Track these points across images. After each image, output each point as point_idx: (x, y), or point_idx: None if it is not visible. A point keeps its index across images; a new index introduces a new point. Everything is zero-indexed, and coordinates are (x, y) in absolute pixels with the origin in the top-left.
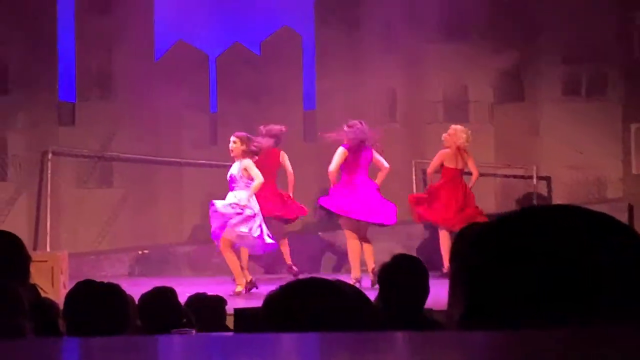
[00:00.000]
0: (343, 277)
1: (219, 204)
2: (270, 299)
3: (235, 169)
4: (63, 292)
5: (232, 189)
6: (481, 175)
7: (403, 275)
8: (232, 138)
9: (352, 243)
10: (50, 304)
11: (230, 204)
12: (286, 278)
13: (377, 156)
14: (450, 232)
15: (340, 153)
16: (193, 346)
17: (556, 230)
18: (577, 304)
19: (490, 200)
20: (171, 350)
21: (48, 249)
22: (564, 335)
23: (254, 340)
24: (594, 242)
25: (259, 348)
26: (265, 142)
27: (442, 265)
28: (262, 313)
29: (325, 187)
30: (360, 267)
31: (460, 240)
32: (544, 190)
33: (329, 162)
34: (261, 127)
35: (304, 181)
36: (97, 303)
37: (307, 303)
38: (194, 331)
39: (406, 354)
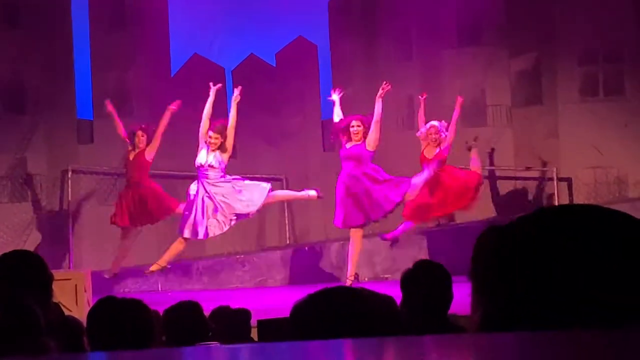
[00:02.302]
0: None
1: None
2: (298, 307)
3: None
4: (87, 310)
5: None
6: (501, 178)
7: (425, 281)
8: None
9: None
10: (74, 322)
11: None
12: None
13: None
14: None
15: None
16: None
17: (576, 231)
18: (598, 304)
19: (511, 203)
20: None
21: (71, 267)
22: (585, 337)
23: (282, 349)
24: (614, 242)
25: (287, 356)
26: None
27: (466, 271)
28: (289, 321)
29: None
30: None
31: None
32: (564, 192)
33: None
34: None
35: (325, 190)
36: (120, 319)
37: (333, 311)
38: (219, 345)
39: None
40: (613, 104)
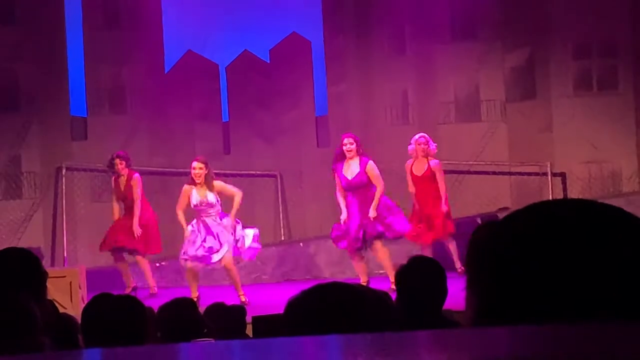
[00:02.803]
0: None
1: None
2: (292, 303)
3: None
4: (82, 307)
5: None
6: (495, 173)
7: (420, 277)
8: (199, 164)
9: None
10: (68, 319)
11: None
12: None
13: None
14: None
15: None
16: (215, 352)
17: (570, 225)
18: (590, 299)
19: (505, 197)
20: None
21: (65, 265)
22: (579, 331)
23: (276, 344)
24: (608, 237)
25: (281, 352)
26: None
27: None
28: (283, 317)
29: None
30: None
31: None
32: (559, 187)
33: None
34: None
35: (319, 186)
36: (115, 316)
37: (327, 307)
38: (214, 341)
39: (425, 353)
40: (607, 99)
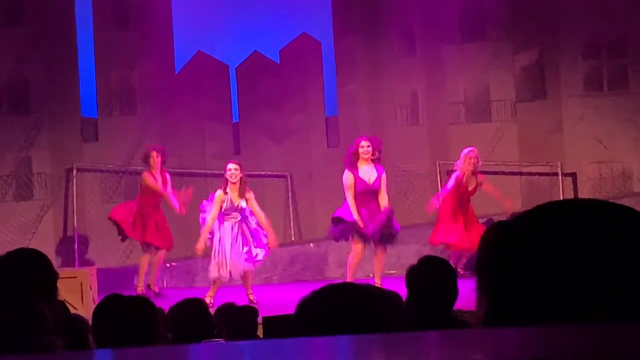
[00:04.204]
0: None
1: None
2: (303, 304)
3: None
4: (93, 308)
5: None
6: (505, 173)
7: (430, 277)
8: (235, 166)
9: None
10: (79, 320)
11: None
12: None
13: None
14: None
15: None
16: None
17: (580, 225)
18: (602, 300)
19: (516, 198)
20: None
21: (76, 266)
22: (589, 331)
23: (287, 345)
24: (619, 237)
25: (292, 352)
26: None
27: (471, 266)
28: (294, 318)
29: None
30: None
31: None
32: (569, 187)
33: None
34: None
35: (329, 186)
36: (125, 317)
37: (338, 307)
38: (224, 342)
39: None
40: (617, 98)
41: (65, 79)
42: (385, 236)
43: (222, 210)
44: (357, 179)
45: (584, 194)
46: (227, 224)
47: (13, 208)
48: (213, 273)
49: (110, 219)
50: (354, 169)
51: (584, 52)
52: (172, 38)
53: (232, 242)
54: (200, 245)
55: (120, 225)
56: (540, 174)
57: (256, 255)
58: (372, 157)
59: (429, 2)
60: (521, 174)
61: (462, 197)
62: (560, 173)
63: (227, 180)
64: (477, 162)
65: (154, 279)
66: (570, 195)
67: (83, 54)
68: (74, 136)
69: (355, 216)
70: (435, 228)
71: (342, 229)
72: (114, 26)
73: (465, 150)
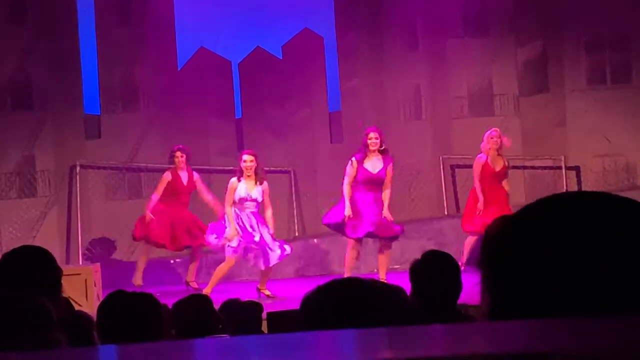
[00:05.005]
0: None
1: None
2: (307, 299)
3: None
4: (97, 304)
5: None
6: (509, 167)
7: (434, 272)
8: (250, 157)
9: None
10: (84, 317)
11: None
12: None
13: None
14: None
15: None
16: (231, 348)
17: (585, 218)
18: (605, 291)
19: (520, 192)
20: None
21: (80, 262)
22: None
23: (292, 340)
24: (624, 229)
25: (297, 347)
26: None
27: (475, 260)
28: (299, 313)
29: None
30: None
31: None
32: (573, 180)
33: None
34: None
35: (332, 182)
36: (130, 313)
37: (343, 302)
38: (229, 337)
39: (440, 347)
40: (620, 92)
41: (68, 76)
42: (386, 240)
43: (237, 200)
44: (361, 168)
45: (588, 187)
46: (244, 214)
47: (17, 205)
48: (249, 262)
49: (137, 239)
50: (361, 158)
51: (587, 45)
52: (175, 34)
53: (259, 231)
54: (232, 232)
55: (153, 240)
56: (544, 168)
57: (285, 250)
58: (380, 149)
59: None
60: (524, 167)
61: (491, 180)
62: (563, 167)
63: (241, 171)
64: (501, 141)
65: (193, 276)
66: (574, 189)
67: (85, 51)
68: (77, 133)
69: (347, 212)
70: (464, 215)
71: (335, 228)
72: (116, 23)
73: (488, 132)
